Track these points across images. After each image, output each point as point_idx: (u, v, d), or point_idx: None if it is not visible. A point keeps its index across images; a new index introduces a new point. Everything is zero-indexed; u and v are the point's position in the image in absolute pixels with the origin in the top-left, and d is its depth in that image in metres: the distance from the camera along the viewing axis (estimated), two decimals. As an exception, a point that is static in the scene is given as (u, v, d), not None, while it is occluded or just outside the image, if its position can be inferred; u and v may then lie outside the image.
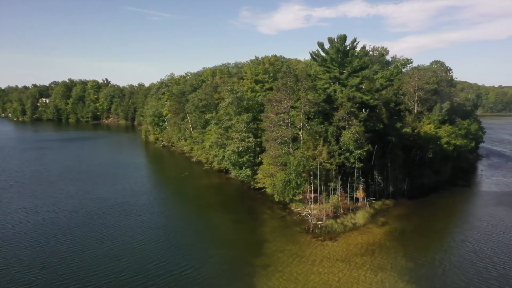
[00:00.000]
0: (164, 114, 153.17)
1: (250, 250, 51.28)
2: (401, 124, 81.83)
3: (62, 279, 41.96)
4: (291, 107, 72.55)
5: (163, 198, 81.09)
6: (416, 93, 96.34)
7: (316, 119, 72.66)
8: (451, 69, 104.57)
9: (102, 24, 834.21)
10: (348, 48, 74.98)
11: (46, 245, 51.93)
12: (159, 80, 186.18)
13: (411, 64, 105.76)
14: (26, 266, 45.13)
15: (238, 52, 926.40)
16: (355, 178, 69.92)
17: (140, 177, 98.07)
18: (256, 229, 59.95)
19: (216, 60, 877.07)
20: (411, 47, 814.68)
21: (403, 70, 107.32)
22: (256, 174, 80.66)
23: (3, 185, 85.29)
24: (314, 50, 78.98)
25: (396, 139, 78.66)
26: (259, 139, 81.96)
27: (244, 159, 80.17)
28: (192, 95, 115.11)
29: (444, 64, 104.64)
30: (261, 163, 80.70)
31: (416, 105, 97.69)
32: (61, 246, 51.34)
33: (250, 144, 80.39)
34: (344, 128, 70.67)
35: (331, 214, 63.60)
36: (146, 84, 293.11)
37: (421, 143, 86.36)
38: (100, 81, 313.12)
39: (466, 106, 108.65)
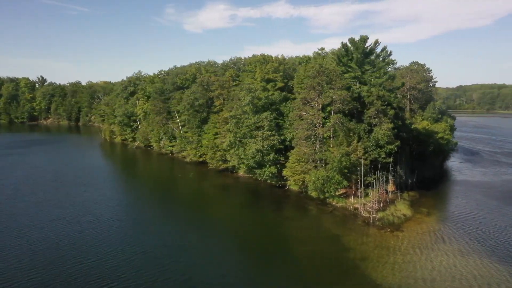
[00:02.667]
0: (138, 114, 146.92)
1: (332, 245, 52.56)
2: (410, 121, 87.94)
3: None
4: (324, 105, 74.66)
5: (201, 202, 78.43)
6: (409, 92, 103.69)
7: (346, 117, 75.39)
8: (431, 70, 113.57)
9: (17, 19, 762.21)
10: (369, 48, 79.00)
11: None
12: (123, 79, 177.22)
13: (394, 65, 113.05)
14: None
15: (164, 49, 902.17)
16: (385, 172, 74.03)
17: (148, 183, 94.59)
18: (316, 225, 61.23)
19: (145, 57, 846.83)
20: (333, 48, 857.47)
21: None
22: (280, 172, 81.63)
23: None
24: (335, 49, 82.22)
25: (406, 135, 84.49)
26: (282, 137, 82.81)
27: (271, 156, 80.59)
28: (186, 94, 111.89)
29: (424, 65, 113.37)
30: (284, 161, 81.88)
31: (408, 103, 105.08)
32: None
33: (274, 142, 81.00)
34: (375, 125, 74.52)
35: (376, 207, 66.70)
36: (83, 82, 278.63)
37: (422, 138, 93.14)
38: (35, 79, 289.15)
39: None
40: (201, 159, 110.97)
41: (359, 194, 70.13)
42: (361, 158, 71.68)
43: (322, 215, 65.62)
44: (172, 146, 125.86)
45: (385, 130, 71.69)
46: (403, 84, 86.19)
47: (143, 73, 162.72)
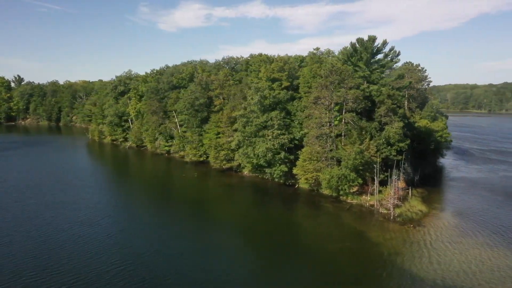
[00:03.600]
0: (130, 113, 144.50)
1: (359, 241, 53.38)
2: (414, 119, 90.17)
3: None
4: (336, 104, 75.67)
5: (212, 202, 77.81)
6: (407, 91, 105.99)
7: (357, 115, 76.60)
8: (425, 69, 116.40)
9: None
10: (377, 48, 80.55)
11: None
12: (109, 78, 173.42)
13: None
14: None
15: (139, 48, 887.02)
16: (395, 169, 75.62)
17: (153, 185, 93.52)
18: (336, 222, 62.11)
19: (119, 56, 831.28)
20: (308, 49, 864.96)
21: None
22: (290, 170, 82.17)
23: None
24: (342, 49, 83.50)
25: (409, 133, 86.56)
26: (291, 136, 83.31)
27: (282, 155, 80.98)
28: (187, 92, 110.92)
29: (419, 65, 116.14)
30: (295, 159, 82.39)
31: (407, 101, 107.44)
32: None
33: (285, 141, 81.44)
34: (385, 123, 76.11)
35: (395, 204, 67.96)
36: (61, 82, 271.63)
37: (423, 136, 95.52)
38: (11, 78, 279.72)
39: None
40: (201, 159, 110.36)
41: (373, 191, 71.55)
42: (374, 156, 73.03)
43: (340, 212, 66.44)
44: (169, 146, 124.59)
45: (396, 128, 73.34)
46: (410, 83, 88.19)
47: (133, 72, 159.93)
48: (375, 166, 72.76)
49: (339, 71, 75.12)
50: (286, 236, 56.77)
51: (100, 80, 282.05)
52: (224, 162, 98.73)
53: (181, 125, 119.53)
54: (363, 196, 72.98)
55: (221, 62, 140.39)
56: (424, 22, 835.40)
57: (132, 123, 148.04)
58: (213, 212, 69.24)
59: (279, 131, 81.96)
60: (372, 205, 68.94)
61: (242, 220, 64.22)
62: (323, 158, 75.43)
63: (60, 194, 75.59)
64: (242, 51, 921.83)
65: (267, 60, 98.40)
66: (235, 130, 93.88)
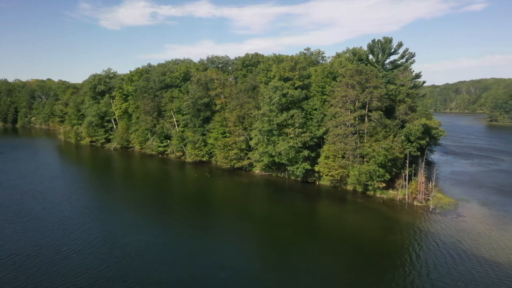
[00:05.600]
0: (114, 113, 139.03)
1: (413, 233, 56.02)
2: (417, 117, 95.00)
3: None
4: (361, 102, 78.27)
5: (239, 201, 77.54)
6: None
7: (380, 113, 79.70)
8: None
9: None
10: (393, 49, 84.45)
11: None
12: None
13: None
14: None
15: (80, 45, 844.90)
16: (415, 165, 79.71)
17: (167, 188, 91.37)
18: (378, 216, 64.43)
19: (60, 53, 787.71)
20: (256, 49, 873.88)
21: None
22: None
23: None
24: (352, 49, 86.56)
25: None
26: (311, 133, 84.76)
27: (305, 153, 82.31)
28: (190, 91, 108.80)
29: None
30: (315, 157, 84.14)
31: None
32: None
33: (307, 139, 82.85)
34: (404, 121, 79.99)
35: (421, 197, 71.63)
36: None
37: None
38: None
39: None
40: (204, 159, 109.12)
41: (399, 186, 75.09)
42: (400, 152, 76.44)
43: (378, 207, 68.98)
44: (164, 146, 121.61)
45: (418, 126, 77.40)
46: (423, 82, 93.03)
47: (112, 71, 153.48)
48: (398, 162, 76.54)
49: (364, 71, 77.83)
50: (338, 230, 58.41)
51: (60, 80, 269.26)
52: (234, 161, 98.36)
53: (178, 125, 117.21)
54: (390, 191, 76.20)
55: (206, 61, 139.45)
56: (363, 26, 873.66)
57: (116, 124, 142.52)
58: (250, 211, 69.40)
59: (300, 130, 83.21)
60: (403, 199, 72.24)
61: (283, 217, 64.95)
62: (348, 155, 77.85)
63: (80, 212, 71.62)
64: (189, 50, 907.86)
65: (276, 59, 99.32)
66: (249, 129, 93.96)
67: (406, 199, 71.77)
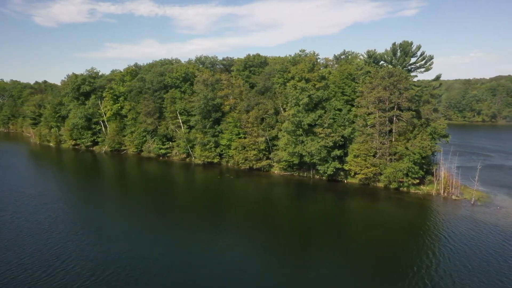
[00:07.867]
0: (107, 115, 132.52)
1: (478, 225, 59.68)
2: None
3: None
4: (393, 103, 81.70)
5: (276, 202, 77.36)
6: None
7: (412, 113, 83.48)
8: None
9: None
10: (413, 52, 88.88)
11: None
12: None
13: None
14: None
15: (13, 43, 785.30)
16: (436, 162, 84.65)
17: (196, 193, 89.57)
18: (426, 212, 67.97)
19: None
20: (199, 49, 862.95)
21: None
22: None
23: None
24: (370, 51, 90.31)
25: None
26: (340, 133, 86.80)
27: (337, 152, 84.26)
28: (199, 93, 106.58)
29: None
30: (343, 156, 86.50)
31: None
32: None
33: (338, 138, 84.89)
34: (430, 120, 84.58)
35: (457, 191, 76.04)
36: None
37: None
38: None
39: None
40: (215, 160, 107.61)
41: (429, 181, 79.50)
42: (430, 149, 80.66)
43: (423, 202, 72.53)
44: (166, 148, 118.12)
45: (444, 125, 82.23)
46: (440, 84, 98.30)
47: (95, 71, 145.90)
48: (427, 159, 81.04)
49: (395, 73, 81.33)
50: (391, 226, 60.68)
51: (13, 80, 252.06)
52: (254, 162, 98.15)
53: (183, 126, 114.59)
54: (421, 186, 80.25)
55: (195, 62, 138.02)
56: (305, 28, 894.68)
57: (105, 126, 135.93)
58: (289, 211, 70.52)
59: (330, 129, 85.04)
60: (437, 194, 76.44)
61: (324, 216, 66.91)
62: (380, 154, 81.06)
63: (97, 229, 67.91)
64: (131, 49, 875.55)
65: (293, 60, 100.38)
66: (268, 130, 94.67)
67: (442, 194, 75.98)
